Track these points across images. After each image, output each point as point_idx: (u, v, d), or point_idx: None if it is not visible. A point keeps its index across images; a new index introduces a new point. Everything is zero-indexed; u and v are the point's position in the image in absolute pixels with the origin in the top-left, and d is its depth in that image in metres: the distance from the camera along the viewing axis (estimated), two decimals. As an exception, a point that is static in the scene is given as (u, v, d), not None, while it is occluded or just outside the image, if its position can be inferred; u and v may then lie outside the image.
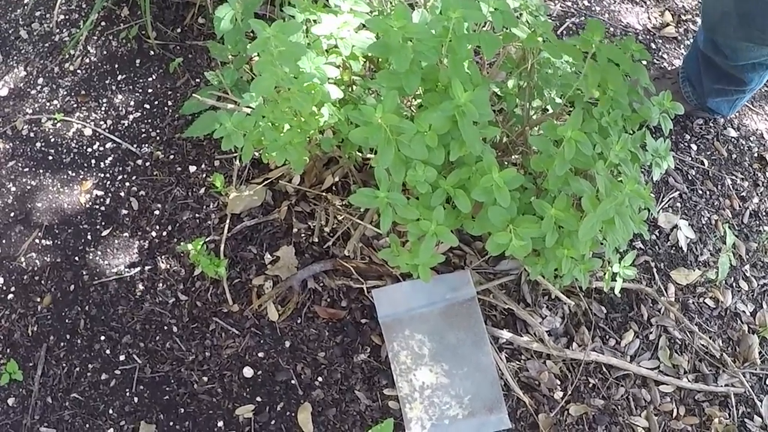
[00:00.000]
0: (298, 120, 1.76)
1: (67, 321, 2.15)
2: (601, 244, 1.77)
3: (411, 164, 1.62)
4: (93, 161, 2.39)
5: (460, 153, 1.63)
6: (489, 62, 2.11)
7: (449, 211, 1.72)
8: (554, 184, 1.68)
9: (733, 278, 2.32)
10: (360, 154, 2.14)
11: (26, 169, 2.39)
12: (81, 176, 2.37)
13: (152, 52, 2.59)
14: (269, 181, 2.28)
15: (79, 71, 2.57)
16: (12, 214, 2.31)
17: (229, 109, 2.05)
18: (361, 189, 1.67)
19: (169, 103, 2.49)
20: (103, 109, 2.49)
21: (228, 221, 2.23)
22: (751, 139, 2.58)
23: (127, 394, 2.05)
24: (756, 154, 2.55)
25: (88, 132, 2.44)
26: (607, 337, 2.17)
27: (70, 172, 2.38)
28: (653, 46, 2.73)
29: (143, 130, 2.44)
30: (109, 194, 2.33)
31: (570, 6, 2.81)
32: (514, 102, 1.93)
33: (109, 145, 2.41)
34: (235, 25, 2.03)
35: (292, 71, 1.63)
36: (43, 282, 2.20)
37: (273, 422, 2.02)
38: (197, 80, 2.52)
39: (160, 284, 2.18)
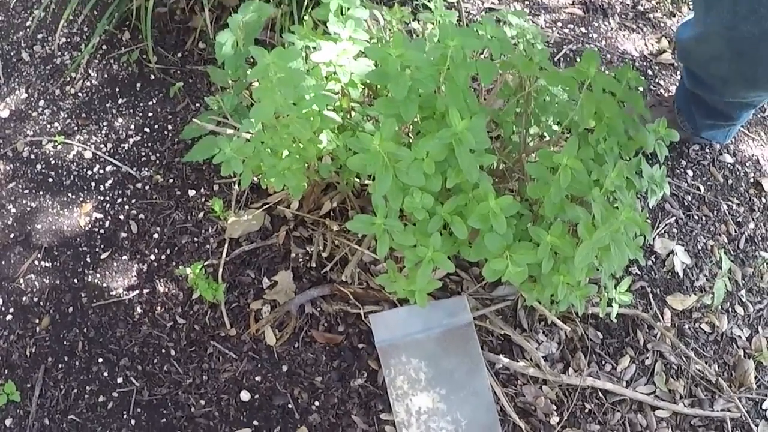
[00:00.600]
0: (296, 146, 1.78)
1: (65, 343, 2.15)
2: (597, 270, 1.78)
3: (408, 191, 1.63)
4: (93, 184, 2.41)
5: (457, 180, 1.64)
6: (486, 89, 2.12)
7: (446, 238, 1.73)
8: (550, 211, 1.69)
9: (729, 303, 2.33)
10: (358, 180, 2.15)
11: (26, 191, 2.40)
12: (81, 199, 2.38)
13: (153, 76, 2.61)
14: (268, 206, 2.29)
15: (80, 94, 2.59)
16: (12, 236, 2.32)
17: (228, 134, 2.06)
18: (359, 215, 1.69)
19: (169, 127, 2.50)
20: (103, 132, 2.50)
21: (226, 245, 2.24)
22: (747, 164, 2.59)
23: (125, 416, 2.05)
24: (752, 180, 2.57)
25: (88, 155, 2.46)
26: (603, 362, 2.18)
27: (70, 195, 2.39)
28: (650, 73, 2.75)
29: (143, 154, 2.45)
30: (109, 217, 2.34)
31: (567, 33, 2.83)
32: (511, 129, 1.95)
33: (109, 168, 2.43)
34: (235, 50, 2.05)
35: (291, 98, 1.64)
36: (41, 303, 2.21)
37: (270, 446, 2.03)
38: (197, 105, 2.54)
39: (159, 307, 2.19)
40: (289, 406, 2.06)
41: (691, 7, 2.97)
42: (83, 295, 2.22)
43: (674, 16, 2.94)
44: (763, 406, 2.19)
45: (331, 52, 1.77)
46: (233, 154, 1.77)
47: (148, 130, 2.50)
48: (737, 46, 1.88)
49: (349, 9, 1.87)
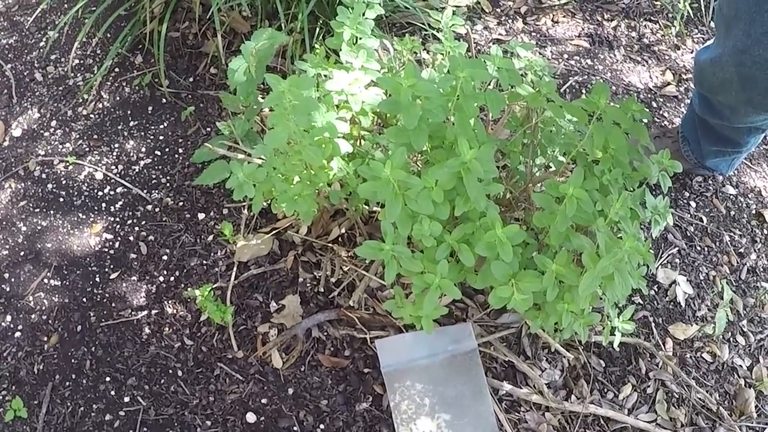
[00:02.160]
0: (308, 173, 1.81)
1: (73, 361, 2.17)
2: (601, 299, 1.80)
3: (417, 218, 1.66)
4: (103, 205, 2.43)
5: (465, 208, 1.66)
6: (493, 120, 2.15)
7: (453, 265, 1.75)
8: (556, 240, 1.71)
9: (730, 333, 2.35)
10: (366, 207, 2.18)
11: (37, 210, 2.43)
12: (91, 219, 2.41)
13: (164, 100, 2.65)
14: (277, 230, 2.32)
15: (92, 115, 2.63)
16: (21, 253, 2.35)
17: (239, 159, 2.09)
18: (367, 242, 1.71)
19: (180, 150, 2.53)
20: (114, 153, 2.54)
21: (235, 269, 2.27)
22: (749, 196, 2.62)
23: (131, 436, 2.08)
24: (754, 211, 2.59)
25: (99, 176, 2.49)
26: (606, 390, 2.20)
27: (80, 215, 2.42)
28: (654, 105, 2.78)
29: (154, 177, 2.48)
30: (119, 238, 2.37)
31: (573, 65, 2.87)
32: (518, 159, 1.97)
33: (119, 189, 2.46)
34: (248, 77, 2.08)
35: (305, 125, 1.67)
36: (50, 321, 2.23)
37: (274, 468, 2.05)
38: (208, 129, 2.57)
39: (167, 328, 2.21)
40: (295, 428, 2.07)
41: (695, 40, 3.01)
42: (92, 314, 2.24)
43: (679, 49, 2.98)
44: (763, 436, 2.21)
45: (343, 80, 1.80)
46: (246, 179, 1.79)
47: (158, 152, 2.53)
48: (747, 71, 1.90)
49: (361, 39, 1.91)
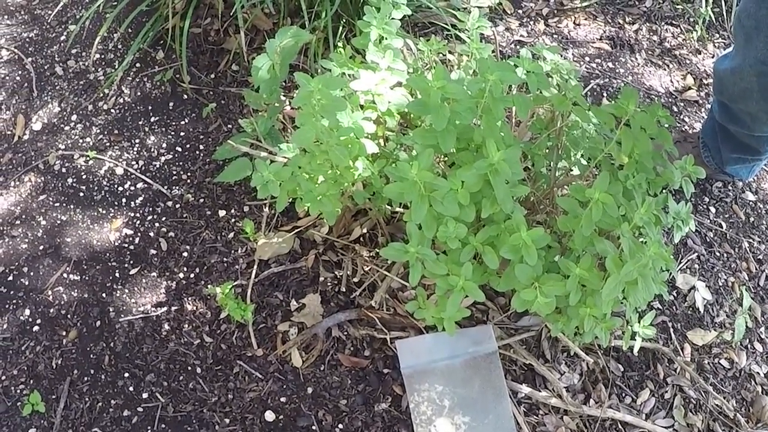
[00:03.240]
0: (333, 172, 1.81)
1: (91, 356, 2.18)
2: (622, 303, 1.80)
3: (442, 220, 1.66)
4: (123, 200, 2.44)
5: (491, 211, 1.67)
6: (517, 122, 2.15)
7: (476, 267, 1.76)
8: (580, 244, 1.71)
9: (748, 340, 2.35)
10: (389, 208, 2.18)
11: (57, 204, 2.43)
12: (111, 214, 2.41)
13: (186, 96, 2.65)
14: (298, 229, 2.32)
15: (112, 110, 2.63)
16: (41, 248, 2.35)
17: (261, 157, 2.09)
18: (392, 243, 1.71)
19: (201, 147, 2.54)
20: (135, 149, 2.54)
21: (256, 267, 2.27)
22: (769, 203, 2.62)
23: (149, 431, 2.08)
24: (773, 219, 2.59)
25: (119, 171, 2.49)
26: (624, 394, 2.20)
27: (100, 209, 2.42)
28: (675, 109, 2.78)
29: (174, 173, 2.49)
30: (139, 233, 2.37)
31: (595, 68, 2.87)
32: (542, 162, 1.97)
33: (140, 185, 2.46)
34: (271, 75, 2.08)
35: (332, 124, 1.68)
36: (69, 316, 2.24)
37: (292, 466, 2.05)
38: (229, 126, 2.57)
39: (186, 325, 2.21)
40: (314, 428, 2.08)
41: (716, 44, 3.01)
42: (111, 309, 2.25)
43: (700, 53, 2.97)
44: (780, 443, 2.20)
45: (370, 81, 1.80)
46: (271, 178, 1.80)
47: (179, 149, 2.54)
48: (767, 81, 1.90)
49: (386, 39, 1.91)
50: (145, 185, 2.46)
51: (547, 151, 1.98)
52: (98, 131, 2.58)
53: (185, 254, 2.33)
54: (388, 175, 1.67)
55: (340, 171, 1.80)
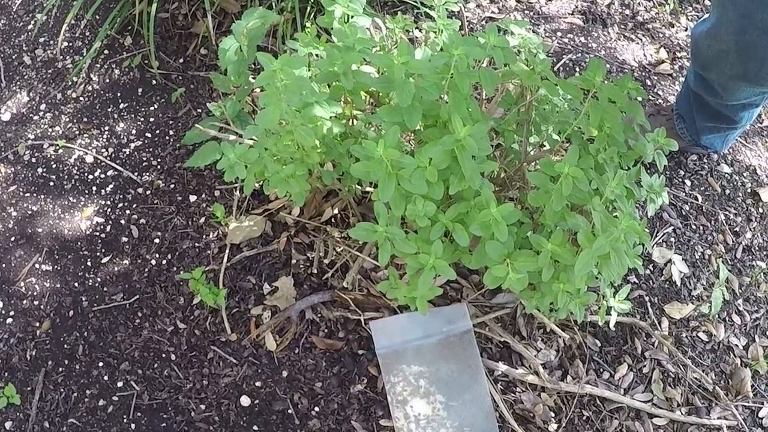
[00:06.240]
0: (300, 153, 1.79)
1: (65, 346, 2.16)
2: (596, 278, 1.79)
3: (411, 198, 1.64)
4: (94, 188, 2.41)
5: (459, 187, 1.65)
6: (487, 98, 2.13)
7: (447, 245, 1.74)
8: (551, 219, 1.70)
9: (726, 312, 2.35)
10: (359, 187, 2.16)
11: (27, 194, 2.41)
12: (82, 203, 2.39)
13: (154, 82, 2.62)
14: (269, 212, 2.30)
15: (81, 98, 2.60)
16: (12, 239, 2.33)
17: (230, 140, 2.07)
18: (361, 223, 1.69)
19: (171, 132, 2.51)
20: (104, 136, 2.51)
21: (227, 251, 2.25)
22: (744, 174, 2.61)
23: (125, 420, 2.06)
24: (749, 190, 2.58)
25: (89, 159, 2.47)
26: (601, 370, 2.19)
27: (71, 198, 2.40)
28: (648, 83, 2.76)
29: (144, 159, 2.46)
30: (110, 221, 2.35)
31: (567, 43, 2.85)
32: (512, 138, 1.96)
33: (110, 172, 2.44)
34: (239, 57, 2.06)
35: (297, 105, 1.65)
36: (42, 307, 2.22)
37: (269, 451, 2.04)
38: (198, 110, 2.55)
39: (159, 312, 2.19)
40: (289, 411, 2.07)
41: (689, 17, 2.99)
42: (84, 298, 2.23)
43: (673, 26, 2.96)
44: (760, 415, 2.20)
45: (335, 59, 1.78)
46: (237, 160, 1.78)
47: (149, 135, 2.51)
48: (747, 38, 1.88)
49: (353, 17, 1.88)
50: (116, 173, 2.44)
51: (517, 126, 1.96)
52: (67, 120, 2.56)
53: (157, 241, 2.31)
54: (354, 154, 1.65)
55: (306, 151, 1.78)
